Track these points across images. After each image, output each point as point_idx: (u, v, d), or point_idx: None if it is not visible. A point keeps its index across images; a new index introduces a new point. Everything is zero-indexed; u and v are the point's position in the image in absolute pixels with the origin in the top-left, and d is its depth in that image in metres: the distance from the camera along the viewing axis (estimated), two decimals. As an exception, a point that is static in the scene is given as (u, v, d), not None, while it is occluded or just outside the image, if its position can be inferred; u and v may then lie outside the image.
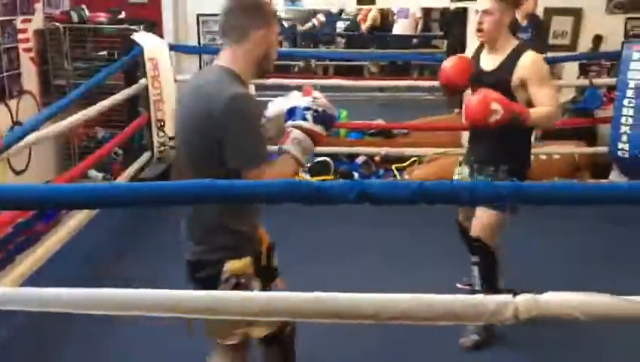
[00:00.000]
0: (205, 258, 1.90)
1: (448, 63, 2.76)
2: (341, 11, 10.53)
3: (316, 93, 1.91)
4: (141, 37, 4.55)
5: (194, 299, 1.39)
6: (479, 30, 2.64)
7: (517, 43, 2.68)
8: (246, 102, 1.80)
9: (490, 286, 2.77)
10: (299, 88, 2.01)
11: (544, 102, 2.57)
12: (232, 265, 1.86)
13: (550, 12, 5.59)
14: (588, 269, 3.50)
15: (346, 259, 3.63)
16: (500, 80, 2.60)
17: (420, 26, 10.13)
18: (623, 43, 5.41)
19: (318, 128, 1.86)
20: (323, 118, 1.87)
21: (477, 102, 2.50)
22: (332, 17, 10.68)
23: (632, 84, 4.51)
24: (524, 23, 5.03)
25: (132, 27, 4.95)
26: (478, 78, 2.70)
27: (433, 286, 1.44)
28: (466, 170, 2.88)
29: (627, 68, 4.54)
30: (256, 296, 1.43)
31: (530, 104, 2.60)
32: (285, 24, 11.09)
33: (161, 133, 4.58)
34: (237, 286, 1.84)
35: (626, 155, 4.61)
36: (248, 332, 1.93)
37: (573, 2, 5.67)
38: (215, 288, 1.80)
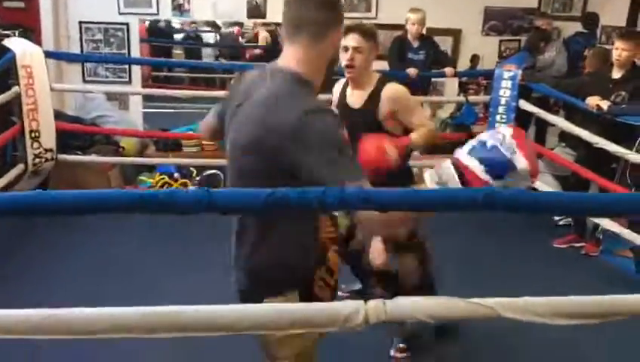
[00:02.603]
0: (248, 289, 1.68)
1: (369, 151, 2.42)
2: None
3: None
4: (13, 42, 4.28)
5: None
6: (350, 66, 2.64)
7: (378, 77, 2.73)
8: (328, 118, 1.48)
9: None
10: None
11: (420, 125, 2.66)
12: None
13: (431, 32, 5.87)
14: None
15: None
16: (368, 116, 2.66)
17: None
18: (497, 63, 5.81)
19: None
20: None
21: (373, 151, 2.34)
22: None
23: (503, 101, 4.84)
24: (415, 44, 5.22)
25: (5, 32, 4.67)
26: (346, 116, 2.65)
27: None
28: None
29: (499, 86, 4.87)
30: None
31: (406, 130, 2.67)
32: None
33: (36, 145, 4.32)
34: None
35: (499, 168, 4.92)
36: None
37: (453, 23, 6.02)
38: None
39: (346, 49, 2.61)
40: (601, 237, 4.24)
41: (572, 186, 4.26)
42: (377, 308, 1.36)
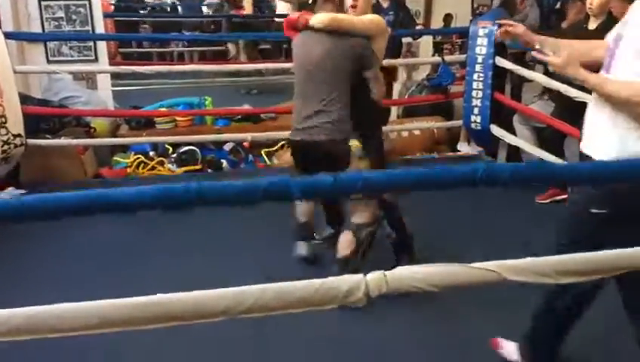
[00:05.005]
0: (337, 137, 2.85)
1: None
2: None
3: None
4: (-31, 25, 4.08)
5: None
6: (353, 7, 2.90)
7: None
8: None
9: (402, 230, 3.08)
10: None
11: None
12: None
13: (403, -7, 5.78)
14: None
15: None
16: None
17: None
18: (470, 21, 5.74)
19: None
20: None
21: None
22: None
23: (479, 59, 4.77)
24: (385, 4, 5.15)
25: (-40, 14, 4.45)
26: None
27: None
28: None
29: (475, 44, 4.79)
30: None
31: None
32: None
33: (3, 131, 4.14)
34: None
35: (479, 127, 4.89)
36: None
37: (424, -17, 5.92)
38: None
39: None
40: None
41: (547, 138, 4.26)
42: (378, 280, 1.31)
